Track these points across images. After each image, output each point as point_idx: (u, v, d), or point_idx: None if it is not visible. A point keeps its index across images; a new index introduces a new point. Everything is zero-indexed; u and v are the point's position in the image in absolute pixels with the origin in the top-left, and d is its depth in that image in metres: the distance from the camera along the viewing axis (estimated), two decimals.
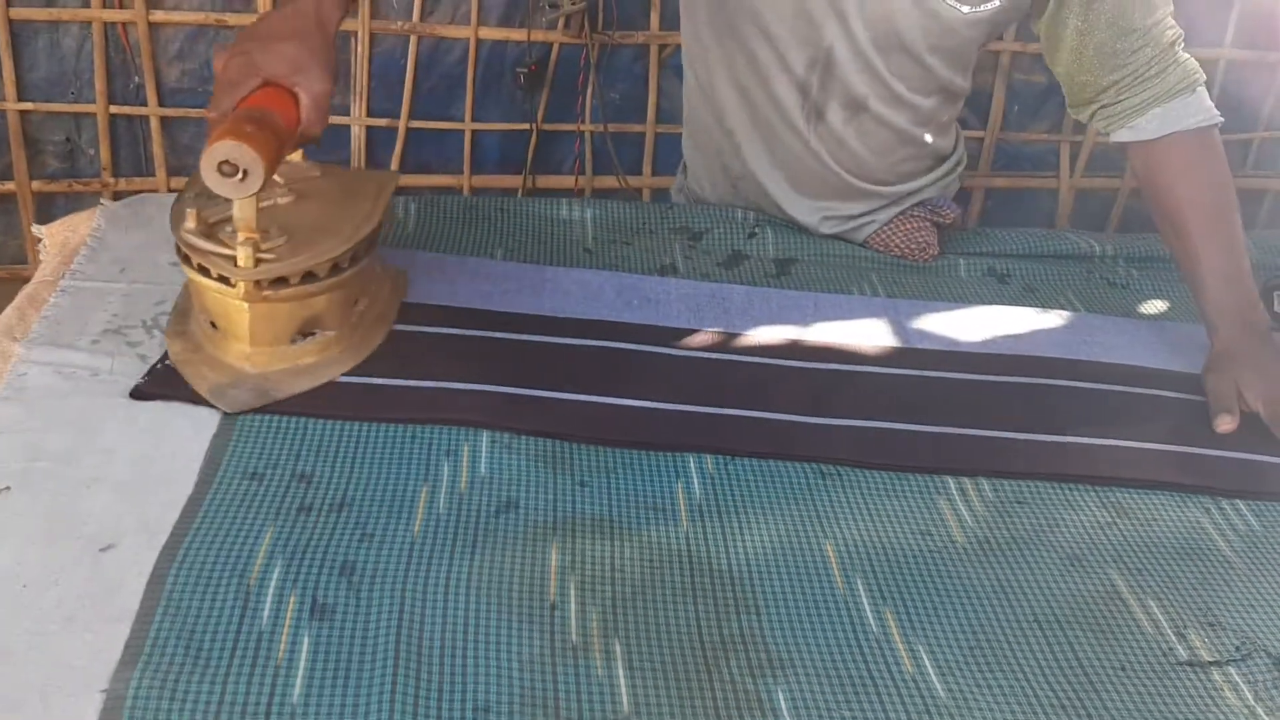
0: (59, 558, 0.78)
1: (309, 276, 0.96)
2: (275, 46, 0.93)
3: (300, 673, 0.72)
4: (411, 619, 0.77)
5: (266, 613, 0.76)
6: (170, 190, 1.87)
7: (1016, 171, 2.24)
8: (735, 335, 1.14)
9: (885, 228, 1.35)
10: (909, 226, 1.35)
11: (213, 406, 0.95)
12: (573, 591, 0.81)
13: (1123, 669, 0.80)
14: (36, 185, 1.83)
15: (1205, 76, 1.22)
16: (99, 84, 1.78)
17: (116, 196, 1.82)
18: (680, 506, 0.91)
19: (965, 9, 1.20)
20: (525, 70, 1.90)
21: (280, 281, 0.94)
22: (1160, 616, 0.86)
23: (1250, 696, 0.79)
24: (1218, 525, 0.96)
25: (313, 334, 1.00)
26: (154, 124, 1.84)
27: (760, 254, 1.31)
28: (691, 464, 0.96)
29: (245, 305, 0.95)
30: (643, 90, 1.99)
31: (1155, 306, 1.32)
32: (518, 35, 1.89)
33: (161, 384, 0.96)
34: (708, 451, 0.97)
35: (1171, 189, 1.21)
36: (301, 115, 0.93)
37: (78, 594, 0.76)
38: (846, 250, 1.34)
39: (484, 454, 0.94)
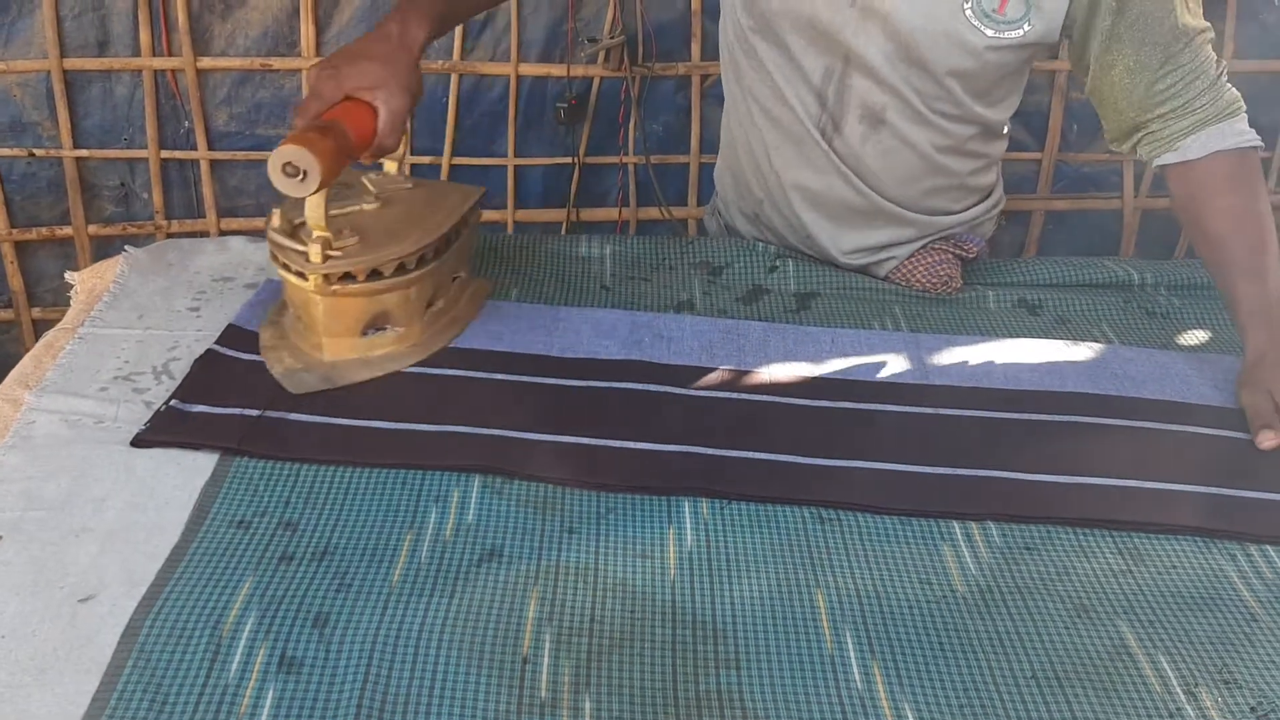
0: (39, 609, 0.79)
1: (375, 274, 1.05)
2: (361, 65, 1.04)
3: None
4: (378, 673, 0.76)
5: (235, 665, 0.76)
6: (220, 231, 1.91)
7: (1078, 193, 2.18)
8: (746, 373, 1.11)
9: (907, 262, 1.33)
10: (931, 260, 1.31)
11: (210, 450, 0.96)
12: (547, 644, 0.80)
13: None
14: (93, 229, 1.88)
15: (1245, 106, 1.22)
16: (150, 130, 1.83)
17: (170, 238, 1.86)
18: (669, 554, 0.89)
19: (989, 33, 1.17)
20: (566, 105, 1.90)
21: (348, 277, 1.04)
22: (1170, 673, 0.81)
23: None
24: (1243, 574, 0.91)
25: (383, 329, 1.09)
26: (204, 167, 1.88)
27: (781, 288, 1.29)
28: (686, 509, 0.93)
29: (318, 298, 1.04)
30: (685, 121, 1.98)
31: (1196, 337, 1.25)
32: (558, 71, 1.90)
33: (161, 431, 0.97)
34: (704, 495, 0.95)
35: (1211, 201, 1.20)
36: (379, 128, 1.03)
37: (54, 646, 0.77)
38: (870, 284, 1.31)
39: (474, 500, 0.93)
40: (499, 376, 1.08)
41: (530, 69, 1.90)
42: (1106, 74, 1.21)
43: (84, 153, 1.83)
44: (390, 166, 1.19)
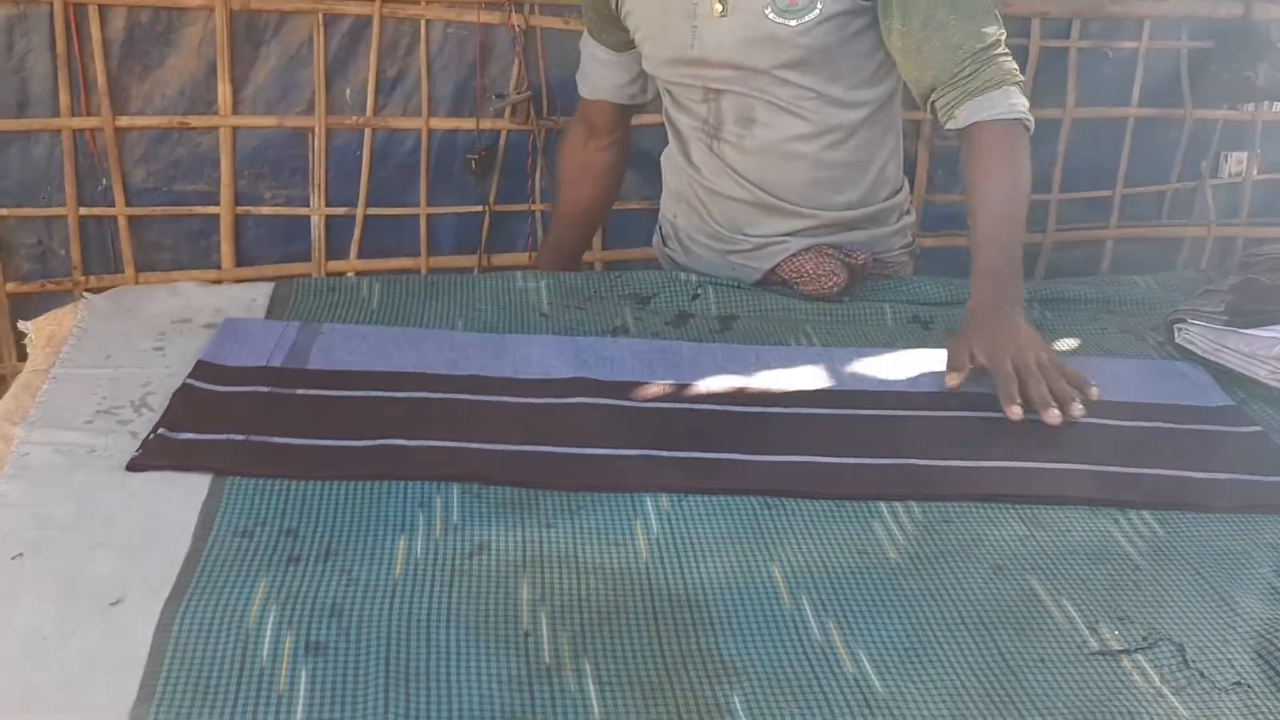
0: (74, 613, 0.85)
1: None
2: None
3: (301, 702, 0.79)
4: (398, 652, 0.84)
5: (266, 651, 0.83)
6: (139, 284, 1.95)
7: (946, 231, 2.38)
8: (685, 386, 1.23)
9: (797, 256, 1.51)
10: (820, 258, 1.50)
11: (203, 472, 1.03)
12: (544, 620, 0.89)
13: (1041, 661, 0.89)
14: (11, 287, 1.90)
15: (1021, 78, 1.37)
16: (69, 188, 1.87)
17: (87, 293, 1.89)
18: (640, 541, 1.00)
19: (793, 23, 1.40)
20: (476, 156, 2.01)
21: None
22: (1074, 614, 0.95)
23: (1157, 679, 0.88)
24: (1126, 534, 1.06)
25: None
26: (122, 223, 1.92)
27: (704, 312, 1.42)
28: (649, 503, 1.04)
29: None
30: None
31: (1068, 344, 1.43)
32: (467, 124, 2.01)
33: (155, 456, 1.04)
34: (663, 491, 1.06)
35: (970, 171, 1.36)
36: None
37: (94, 644, 0.83)
38: (783, 304, 1.45)
39: (455, 504, 1.02)
40: (461, 396, 1.18)
41: (441, 123, 2.01)
42: (888, 38, 1.40)
43: (2, 211, 1.85)
44: None
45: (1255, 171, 2.55)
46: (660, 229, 1.73)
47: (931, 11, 1.35)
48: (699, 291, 1.45)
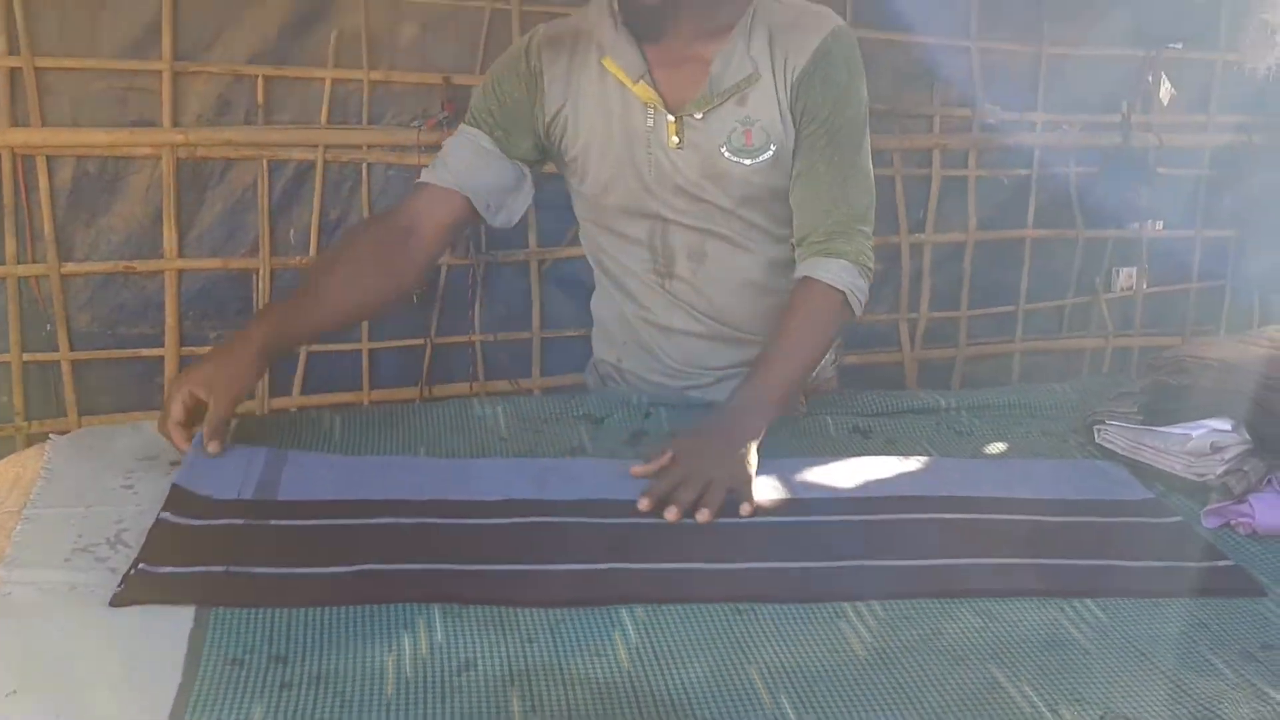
0: None
1: None
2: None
3: None
4: None
5: None
6: (82, 428, 1.95)
7: (865, 349, 2.49)
8: None
9: None
10: None
11: (186, 605, 1.04)
12: None
13: None
14: None
15: (869, 263, 1.50)
16: (13, 334, 1.88)
17: (29, 440, 1.89)
18: (620, 651, 1.03)
19: (747, 162, 1.48)
20: (417, 291, 2.07)
21: None
22: (1035, 698, 1.01)
23: None
24: (1073, 620, 1.13)
25: None
26: (65, 368, 1.93)
27: (658, 430, 1.48)
28: (625, 614, 1.09)
29: None
30: (526, 301, 2.18)
31: (997, 447, 1.53)
32: None
33: (136, 591, 1.06)
34: (637, 602, 1.10)
35: (784, 312, 1.48)
36: None
37: None
38: None
39: (438, 624, 1.05)
40: (430, 520, 1.21)
41: None
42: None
43: None
44: None
45: (1145, 285, 2.74)
46: (596, 369, 1.75)
47: (811, 163, 1.46)
48: (651, 411, 1.52)
